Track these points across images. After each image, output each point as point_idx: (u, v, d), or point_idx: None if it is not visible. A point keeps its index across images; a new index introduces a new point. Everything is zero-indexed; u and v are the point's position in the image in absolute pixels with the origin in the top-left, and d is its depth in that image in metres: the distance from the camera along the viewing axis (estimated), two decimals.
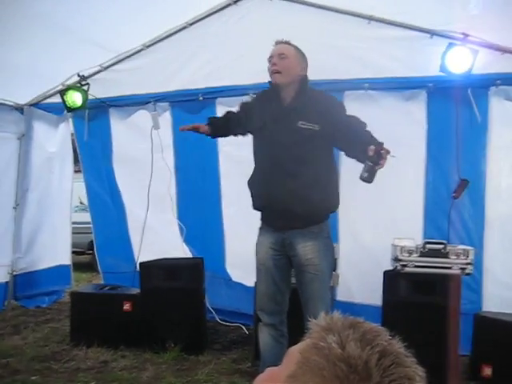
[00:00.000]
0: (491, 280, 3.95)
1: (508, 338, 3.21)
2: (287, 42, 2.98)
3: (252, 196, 3.10)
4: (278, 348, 2.97)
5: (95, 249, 5.55)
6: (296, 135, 2.88)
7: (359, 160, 2.79)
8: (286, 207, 2.89)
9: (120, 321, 4.21)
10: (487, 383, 3.35)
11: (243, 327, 4.59)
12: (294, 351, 0.74)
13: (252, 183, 3.09)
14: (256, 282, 3.20)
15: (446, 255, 3.54)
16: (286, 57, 2.90)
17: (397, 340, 0.72)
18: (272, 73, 2.93)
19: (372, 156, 2.66)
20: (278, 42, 2.98)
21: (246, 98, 3.50)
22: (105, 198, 5.32)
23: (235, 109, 3.33)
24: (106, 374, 3.74)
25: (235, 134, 3.38)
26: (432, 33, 3.76)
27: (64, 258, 5.79)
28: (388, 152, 2.65)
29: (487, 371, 3.25)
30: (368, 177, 2.69)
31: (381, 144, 2.68)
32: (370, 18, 3.84)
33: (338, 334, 0.70)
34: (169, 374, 3.72)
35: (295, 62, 2.94)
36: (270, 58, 2.95)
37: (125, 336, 4.18)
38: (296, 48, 2.99)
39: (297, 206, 2.87)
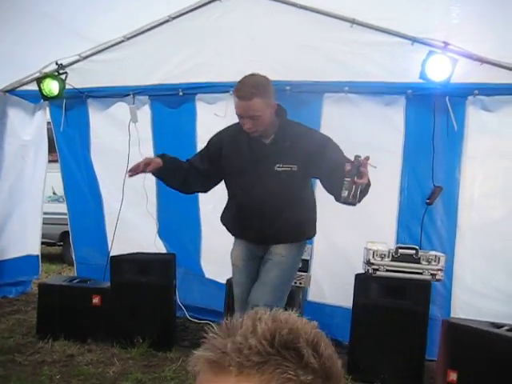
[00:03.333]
0: (461, 287, 4.00)
1: (474, 345, 3.25)
2: (252, 95, 2.68)
3: (228, 229, 3.19)
4: None
5: (71, 239, 5.44)
6: (274, 179, 2.86)
7: (337, 191, 2.53)
8: (262, 242, 3.06)
9: (88, 314, 4.15)
10: None
11: (213, 325, 4.56)
12: None
13: (227, 219, 3.15)
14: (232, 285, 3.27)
15: (417, 261, 3.58)
16: (259, 116, 2.72)
17: None
18: (248, 131, 2.81)
19: (350, 170, 2.41)
20: (241, 98, 2.70)
21: (203, 148, 3.20)
22: (82, 188, 5.23)
23: (194, 160, 3.16)
24: (72, 368, 3.68)
25: (190, 191, 3.31)
26: (413, 40, 3.78)
27: (33, 248, 5.67)
28: (367, 158, 2.45)
29: (453, 376, 3.28)
30: (348, 196, 2.40)
31: (358, 156, 2.45)
32: (353, 22, 3.85)
33: None
34: (136, 370, 3.68)
35: (267, 112, 2.76)
36: (240, 118, 2.78)
37: (92, 330, 4.12)
38: (262, 93, 2.71)
39: (272, 242, 3.03)
